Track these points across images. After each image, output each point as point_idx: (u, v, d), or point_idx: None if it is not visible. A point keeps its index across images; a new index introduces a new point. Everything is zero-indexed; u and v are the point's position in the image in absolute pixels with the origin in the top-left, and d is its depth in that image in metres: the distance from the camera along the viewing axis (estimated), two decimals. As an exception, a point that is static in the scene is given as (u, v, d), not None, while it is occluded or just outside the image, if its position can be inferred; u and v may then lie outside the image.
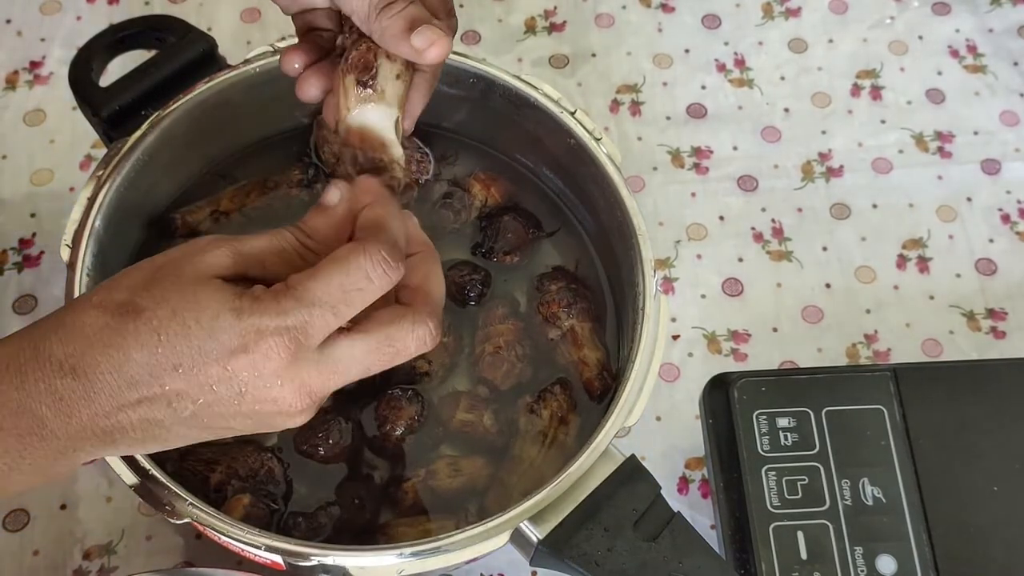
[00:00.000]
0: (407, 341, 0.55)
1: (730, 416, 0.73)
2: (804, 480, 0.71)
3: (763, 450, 0.72)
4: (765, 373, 0.77)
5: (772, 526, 0.70)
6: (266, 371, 0.52)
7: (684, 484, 0.82)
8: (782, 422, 0.72)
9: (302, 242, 0.55)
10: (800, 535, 0.69)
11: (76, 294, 0.69)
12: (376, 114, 0.61)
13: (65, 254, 0.70)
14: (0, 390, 0.51)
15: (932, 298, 0.90)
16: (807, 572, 0.68)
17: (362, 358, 0.54)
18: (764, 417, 0.73)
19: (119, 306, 0.51)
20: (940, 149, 0.97)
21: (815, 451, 0.72)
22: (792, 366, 0.86)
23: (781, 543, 0.69)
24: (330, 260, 0.53)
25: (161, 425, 0.54)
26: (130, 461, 0.65)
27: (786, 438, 0.72)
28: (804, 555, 0.69)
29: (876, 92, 1.00)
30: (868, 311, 0.89)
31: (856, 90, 1.00)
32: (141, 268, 0.53)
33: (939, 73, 1.01)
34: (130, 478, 0.64)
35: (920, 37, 1.03)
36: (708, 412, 0.75)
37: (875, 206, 0.94)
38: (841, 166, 0.96)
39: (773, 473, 0.71)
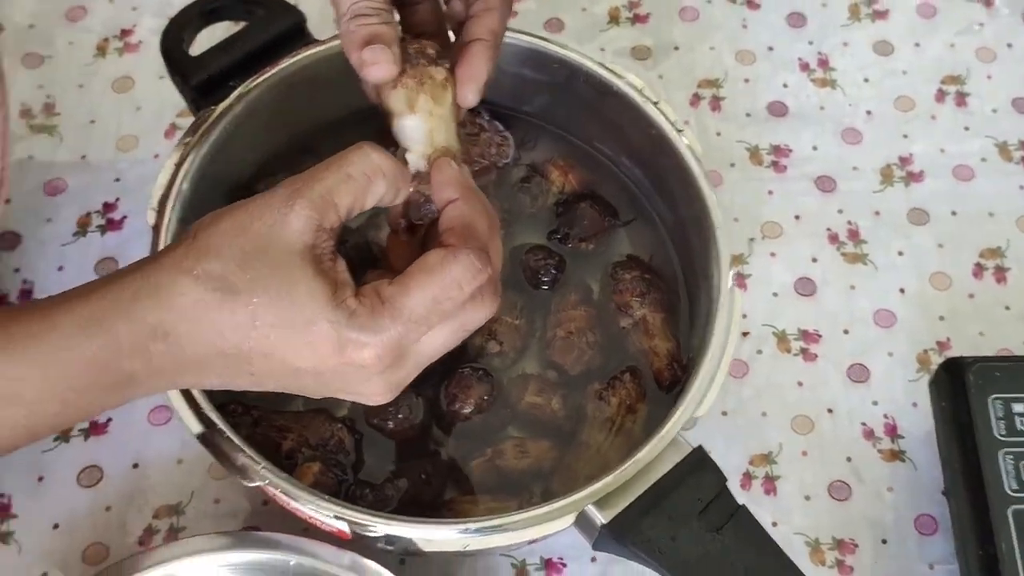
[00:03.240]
0: (480, 320, 0.57)
1: (965, 400, 0.74)
2: None
3: (999, 434, 0.73)
4: (1001, 359, 0.79)
5: (1011, 509, 0.71)
6: (358, 376, 0.54)
7: (747, 480, 0.82)
8: (1018, 407, 0.74)
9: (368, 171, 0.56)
10: None
11: (160, 256, 0.70)
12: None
13: (151, 218, 0.72)
14: (90, 349, 0.53)
15: (1008, 308, 0.89)
16: None
17: (442, 346, 0.56)
18: (1000, 402, 0.74)
19: (214, 281, 0.52)
20: (1024, 159, 0.96)
21: None
22: (862, 368, 0.86)
23: (1021, 527, 0.70)
24: (423, 271, 0.54)
25: (238, 384, 0.56)
26: (201, 416, 0.66)
27: (1022, 423, 0.73)
28: None
29: (961, 98, 0.99)
30: (941, 318, 0.88)
31: (941, 95, 0.99)
32: (228, 233, 0.53)
33: (1026, 82, 1.00)
34: (196, 427, 0.66)
35: (1009, 45, 1.01)
36: (939, 395, 0.77)
37: (954, 213, 0.93)
38: (921, 171, 0.95)
39: (1010, 457, 0.72)
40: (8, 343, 0.52)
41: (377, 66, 0.59)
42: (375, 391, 0.56)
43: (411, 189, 0.59)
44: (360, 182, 0.55)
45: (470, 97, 0.62)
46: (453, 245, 0.55)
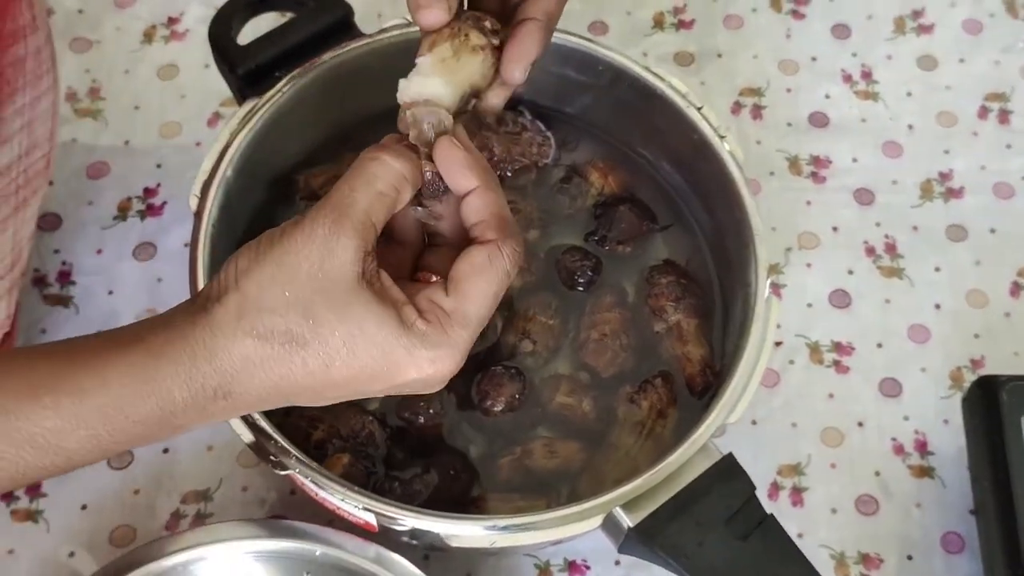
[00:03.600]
0: (508, 283, 0.57)
1: (998, 419, 0.74)
2: None
3: None
4: None
5: None
6: (433, 383, 0.55)
7: (775, 490, 0.82)
8: None
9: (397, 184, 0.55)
10: None
11: (201, 243, 0.70)
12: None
13: (193, 203, 0.72)
14: (142, 410, 0.52)
15: (1045, 329, 0.88)
16: None
17: (486, 318, 0.56)
18: None
19: (280, 336, 0.52)
20: (1066, 179, 0.95)
21: None
22: (894, 383, 0.85)
23: None
24: (478, 275, 0.54)
25: (301, 404, 0.56)
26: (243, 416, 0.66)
27: None
28: None
29: (1004, 116, 0.98)
30: (976, 336, 0.88)
31: (983, 112, 0.98)
32: (279, 282, 0.52)
33: (1072, 102, 0.99)
34: (247, 436, 0.66)
35: (1055, 64, 1.01)
36: (972, 413, 0.77)
37: (993, 231, 0.93)
38: (961, 187, 0.94)
39: None
40: (53, 398, 0.52)
41: (428, 11, 0.59)
42: (439, 386, 0.57)
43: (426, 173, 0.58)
44: (391, 196, 0.55)
45: (517, 74, 0.60)
46: (493, 240, 0.55)
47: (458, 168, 0.56)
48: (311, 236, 0.52)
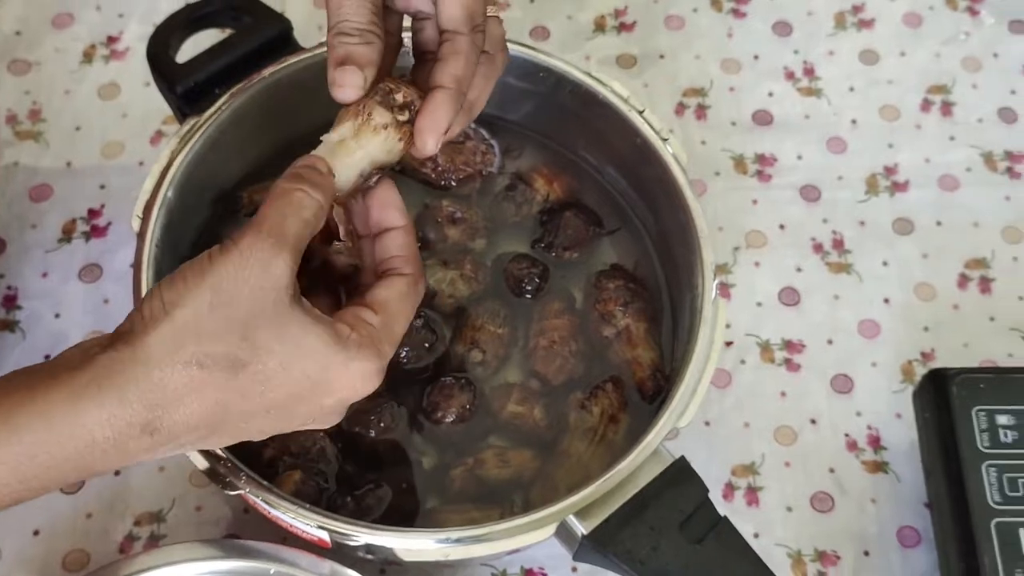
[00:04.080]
0: (417, 302, 0.61)
1: (948, 412, 0.74)
2: None
3: (982, 446, 0.73)
4: (985, 370, 0.78)
5: (993, 522, 0.71)
6: (359, 395, 0.57)
7: (730, 491, 0.82)
8: (1002, 419, 0.74)
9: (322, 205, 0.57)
10: (1023, 533, 0.70)
11: (144, 264, 0.70)
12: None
13: (136, 224, 0.72)
14: (61, 454, 0.51)
15: (992, 319, 0.89)
16: None
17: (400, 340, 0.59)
18: (983, 414, 0.74)
19: (220, 360, 0.52)
20: (1009, 169, 0.95)
21: None
22: (846, 379, 0.86)
23: (1003, 540, 0.70)
24: (399, 299, 0.58)
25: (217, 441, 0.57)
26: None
27: (1006, 435, 0.73)
28: None
29: (947, 108, 0.99)
30: (926, 328, 0.89)
31: (926, 105, 0.99)
32: (218, 307, 0.51)
33: (1012, 92, 0.99)
34: (199, 460, 0.66)
35: (995, 55, 1.01)
36: (923, 406, 0.77)
37: (939, 223, 0.93)
38: (907, 181, 0.95)
39: (994, 470, 0.72)
40: None
41: (341, 88, 0.60)
42: (357, 399, 0.58)
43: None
44: (314, 223, 0.56)
45: (428, 147, 0.60)
46: (412, 274, 0.60)
47: (394, 208, 0.61)
48: (248, 259, 0.52)
